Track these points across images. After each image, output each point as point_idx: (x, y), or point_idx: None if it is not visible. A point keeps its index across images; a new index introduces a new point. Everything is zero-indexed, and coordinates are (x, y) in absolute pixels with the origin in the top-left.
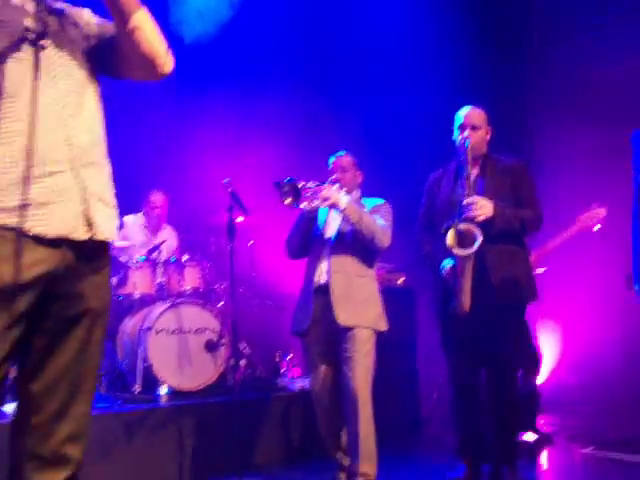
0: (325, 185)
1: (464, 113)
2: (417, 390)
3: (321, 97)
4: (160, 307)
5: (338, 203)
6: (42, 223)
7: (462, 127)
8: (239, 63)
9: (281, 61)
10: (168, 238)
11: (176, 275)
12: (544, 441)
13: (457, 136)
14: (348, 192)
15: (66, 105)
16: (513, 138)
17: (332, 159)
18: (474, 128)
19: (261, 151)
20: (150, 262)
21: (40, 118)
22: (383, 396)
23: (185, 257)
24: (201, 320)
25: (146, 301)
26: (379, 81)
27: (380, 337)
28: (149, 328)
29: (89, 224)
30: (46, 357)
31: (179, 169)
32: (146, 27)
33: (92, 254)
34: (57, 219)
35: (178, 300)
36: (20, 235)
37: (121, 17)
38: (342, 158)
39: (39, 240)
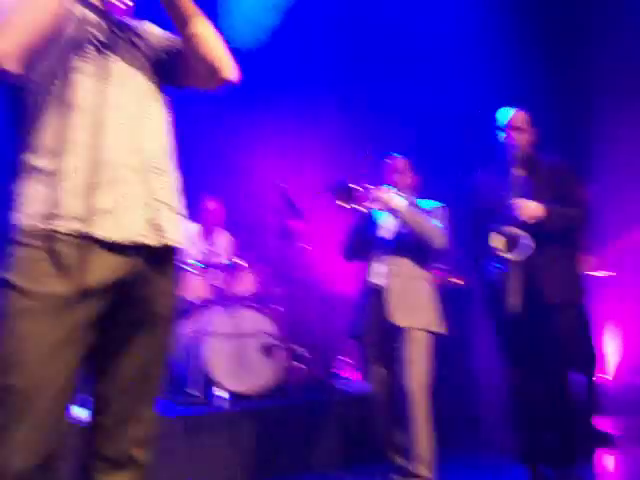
0: (380, 187)
1: (508, 115)
2: (475, 392)
3: (370, 100)
4: (217, 311)
5: (394, 205)
6: (111, 230)
7: (506, 128)
8: (289, 68)
9: (330, 65)
10: (223, 242)
11: (232, 279)
12: (604, 442)
13: (501, 137)
14: (403, 193)
15: (133, 115)
16: (570, 135)
17: (387, 161)
18: (518, 129)
19: (314, 154)
20: (206, 266)
21: (107, 128)
22: (440, 398)
23: (240, 261)
24: (257, 323)
25: (203, 305)
26: (429, 81)
27: (437, 339)
28: (206, 332)
29: (157, 230)
30: (115, 361)
31: (233, 173)
32: (206, 33)
33: (160, 260)
34: (125, 226)
35: (234, 304)
36: (89, 242)
37: (181, 24)
38: (397, 160)
39: (108, 246)
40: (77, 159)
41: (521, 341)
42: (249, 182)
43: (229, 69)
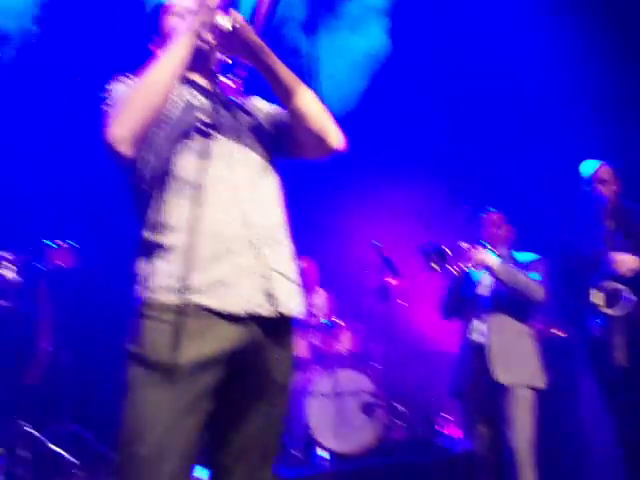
0: (474, 247)
1: (593, 168)
2: (582, 448)
3: (463, 156)
4: (316, 371)
5: (489, 264)
6: (227, 302)
7: (592, 182)
8: (381, 129)
9: (421, 124)
10: (320, 301)
11: (330, 338)
12: None
13: (589, 190)
14: (499, 248)
15: (245, 189)
16: None
17: (482, 215)
18: (605, 182)
19: (409, 211)
20: (304, 325)
21: (220, 203)
22: (545, 455)
23: (338, 320)
24: (357, 382)
25: (302, 365)
26: (520, 137)
27: (540, 394)
28: (306, 392)
29: (272, 300)
30: (234, 428)
31: (328, 232)
32: (311, 105)
33: (277, 329)
34: (241, 297)
35: (333, 363)
36: (208, 313)
37: (285, 98)
38: (492, 214)
39: (225, 317)
40: (192, 234)
41: (628, 393)
42: (344, 241)
43: (336, 139)
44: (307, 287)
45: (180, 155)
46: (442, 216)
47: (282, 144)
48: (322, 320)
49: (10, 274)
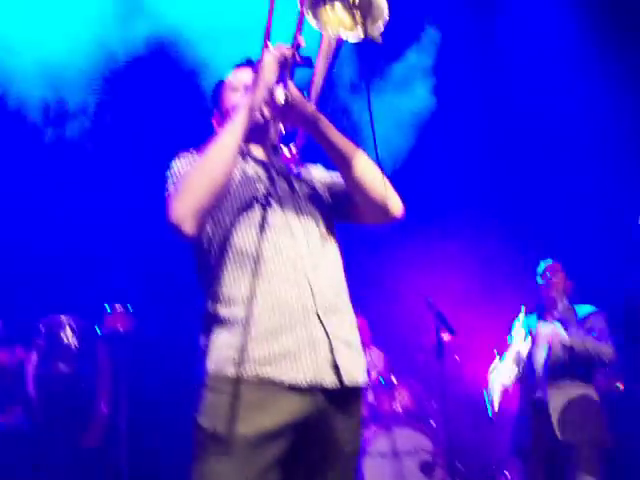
0: (541, 326)
1: None
2: None
3: (514, 206)
4: (373, 430)
5: (558, 342)
6: (292, 372)
7: None
8: (435, 181)
9: (474, 177)
10: (373, 358)
11: (386, 396)
12: None
13: None
14: (558, 299)
15: (307, 258)
16: None
17: (542, 267)
18: None
19: (462, 265)
20: None
21: (281, 274)
22: None
23: (392, 377)
24: (415, 441)
25: None
26: (574, 188)
27: (605, 452)
28: (363, 452)
29: (337, 371)
30: None
31: (380, 287)
32: (369, 173)
33: (343, 398)
34: (306, 368)
35: (390, 422)
36: (272, 385)
37: (342, 166)
38: (551, 266)
39: (291, 388)
40: (255, 306)
41: None
42: (396, 296)
43: (396, 206)
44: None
45: (240, 227)
46: (497, 268)
47: (341, 212)
48: (376, 378)
49: (70, 338)
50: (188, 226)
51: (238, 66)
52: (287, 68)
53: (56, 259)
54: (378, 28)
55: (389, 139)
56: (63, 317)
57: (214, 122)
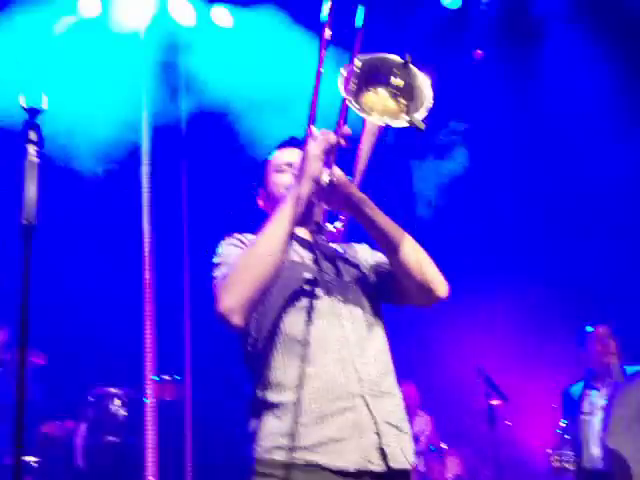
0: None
1: None
2: None
3: (561, 271)
4: None
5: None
6: (340, 458)
7: None
8: (481, 244)
9: (520, 240)
10: (422, 425)
11: (436, 464)
12: None
13: None
14: (609, 364)
15: (353, 343)
16: None
17: (591, 332)
18: None
19: (512, 330)
20: None
21: (328, 359)
22: None
23: (442, 444)
24: None
25: None
26: (624, 244)
27: None
28: None
29: (384, 455)
30: None
31: (428, 353)
32: (414, 254)
33: (390, 479)
34: (353, 452)
35: None
36: (321, 469)
37: (387, 248)
38: (599, 328)
39: (339, 473)
40: (303, 391)
41: None
42: (446, 361)
43: (441, 289)
44: (408, 411)
45: (287, 313)
46: (546, 333)
47: (386, 293)
48: (425, 444)
49: (118, 410)
50: (237, 318)
51: (281, 145)
52: (332, 154)
53: (105, 330)
54: (422, 115)
55: (433, 202)
56: (112, 388)
57: (259, 201)
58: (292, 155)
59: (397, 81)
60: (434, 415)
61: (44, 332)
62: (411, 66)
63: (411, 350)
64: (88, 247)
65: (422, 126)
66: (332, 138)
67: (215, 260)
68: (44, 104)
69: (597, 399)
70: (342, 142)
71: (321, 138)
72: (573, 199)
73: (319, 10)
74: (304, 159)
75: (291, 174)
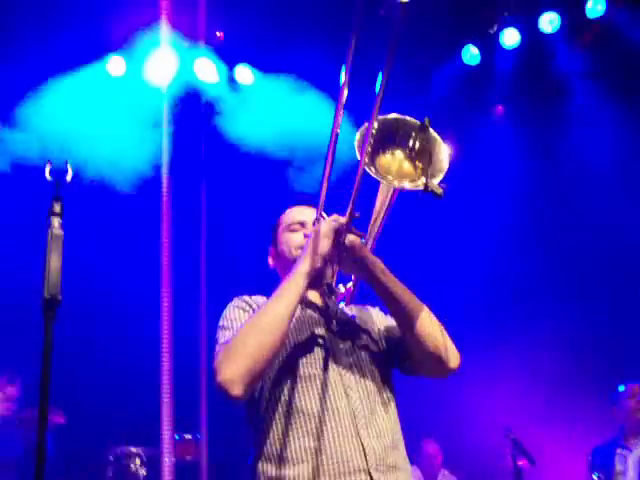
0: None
1: None
2: None
3: (593, 332)
4: None
5: None
6: None
7: None
8: (508, 303)
9: (546, 299)
10: None
11: None
12: None
13: None
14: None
15: (360, 415)
16: None
17: (624, 390)
18: None
19: (538, 390)
20: None
21: (333, 432)
22: None
23: None
24: None
25: None
26: None
27: None
28: None
29: None
30: None
31: (456, 411)
32: (428, 326)
33: None
34: None
35: None
36: None
37: (399, 317)
38: (632, 387)
39: None
40: (304, 466)
41: None
42: (472, 421)
43: (453, 360)
44: (432, 470)
45: (291, 382)
46: (574, 392)
47: (397, 361)
48: None
49: (138, 469)
50: (236, 390)
51: (294, 204)
52: (343, 233)
53: (125, 389)
54: (439, 180)
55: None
56: (132, 448)
57: (270, 259)
58: (304, 214)
59: (415, 144)
60: (458, 475)
61: (63, 392)
62: (430, 130)
63: (437, 408)
64: (105, 308)
65: (439, 191)
66: (342, 221)
67: (220, 323)
68: (69, 175)
69: (630, 458)
70: (352, 219)
71: (332, 219)
72: (601, 258)
73: (338, 75)
74: (314, 236)
75: (303, 234)
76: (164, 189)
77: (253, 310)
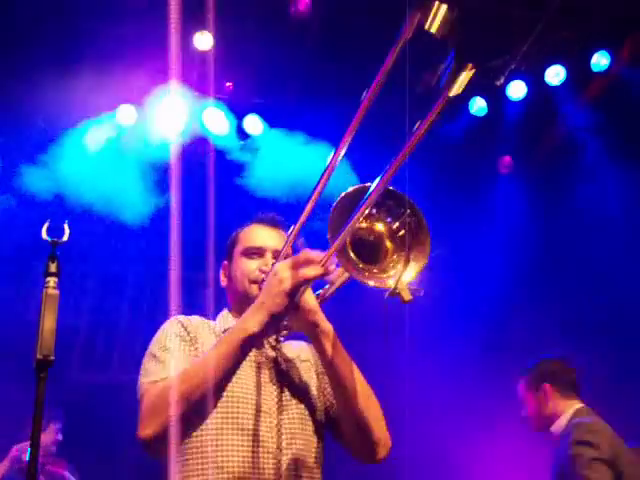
0: None
1: None
2: None
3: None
4: None
5: None
6: None
7: None
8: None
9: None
10: None
11: None
12: None
13: None
14: None
15: (287, 469)
16: None
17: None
18: None
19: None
20: None
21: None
22: None
23: None
24: None
25: None
26: None
27: None
28: None
29: None
30: None
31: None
32: (367, 418)
33: None
34: None
35: None
36: None
37: (339, 393)
38: None
39: None
40: None
41: None
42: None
43: (382, 452)
44: None
45: (220, 438)
46: None
47: (328, 426)
48: None
49: None
50: (153, 452)
51: (259, 221)
52: (304, 291)
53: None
54: (412, 278)
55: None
56: None
57: (222, 276)
58: (267, 239)
59: (399, 228)
60: None
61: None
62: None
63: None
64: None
65: (408, 298)
66: (310, 273)
67: (153, 348)
68: (65, 236)
69: None
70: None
71: (297, 272)
72: (612, 314)
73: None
74: (270, 288)
75: (258, 268)
76: (172, 241)
77: (191, 339)
